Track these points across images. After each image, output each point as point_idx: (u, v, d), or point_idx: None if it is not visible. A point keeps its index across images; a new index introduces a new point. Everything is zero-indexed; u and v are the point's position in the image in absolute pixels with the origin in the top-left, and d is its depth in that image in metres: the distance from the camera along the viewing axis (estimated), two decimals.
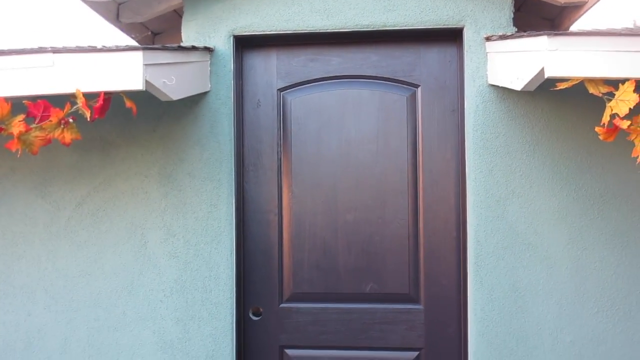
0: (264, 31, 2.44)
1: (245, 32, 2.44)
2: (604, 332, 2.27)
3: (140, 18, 2.59)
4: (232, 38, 2.44)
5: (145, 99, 2.13)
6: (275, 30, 2.44)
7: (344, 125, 2.52)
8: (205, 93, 2.40)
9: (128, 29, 2.82)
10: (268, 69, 2.55)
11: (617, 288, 2.27)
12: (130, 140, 2.44)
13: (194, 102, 2.40)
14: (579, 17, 2.63)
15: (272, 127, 2.54)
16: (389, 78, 2.51)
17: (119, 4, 2.60)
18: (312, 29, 2.43)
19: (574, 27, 2.74)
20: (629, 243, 2.27)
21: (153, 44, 3.02)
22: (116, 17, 2.60)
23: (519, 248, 2.31)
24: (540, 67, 1.61)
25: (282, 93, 2.55)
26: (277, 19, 2.43)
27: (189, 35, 2.41)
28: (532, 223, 2.30)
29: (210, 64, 2.41)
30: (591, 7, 2.46)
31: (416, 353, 2.49)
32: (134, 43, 2.96)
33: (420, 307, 2.49)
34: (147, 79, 1.68)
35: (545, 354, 2.29)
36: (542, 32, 1.63)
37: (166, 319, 2.43)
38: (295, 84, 2.54)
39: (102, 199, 2.46)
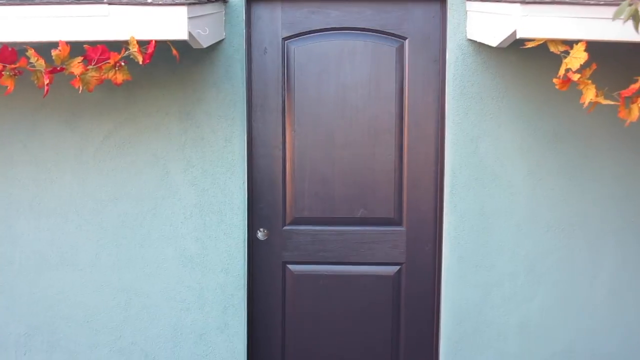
0: None
1: None
2: (552, 246, 2.79)
3: None
4: None
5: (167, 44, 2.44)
6: None
7: (341, 72, 2.88)
8: (220, 40, 2.70)
9: None
10: (274, 19, 2.86)
11: (565, 211, 2.77)
12: (152, 81, 2.74)
13: (211, 48, 2.70)
14: None
15: (277, 72, 2.88)
16: (380, 31, 2.87)
17: None
18: None
19: None
20: (577, 174, 2.76)
21: None
22: None
23: (487, 179, 2.77)
24: (513, 29, 2.01)
25: (286, 42, 2.88)
26: None
27: None
28: (498, 158, 2.75)
29: (225, 14, 2.70)
30: None
31: (399, 267, 2.97)
32: None
33: (403, 228, 2.95)
34: (189, 30, 2.00)
35: (505, 265, 2.80)
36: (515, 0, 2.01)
37: (186, 238, 2.82)
38: (298, 33, 2.87)
39: (127, 133, 2.78)
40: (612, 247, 2.79)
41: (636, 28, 1.70)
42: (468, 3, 2.65)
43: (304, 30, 2.87)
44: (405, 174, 2.92)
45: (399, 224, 2.95)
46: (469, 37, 2.66)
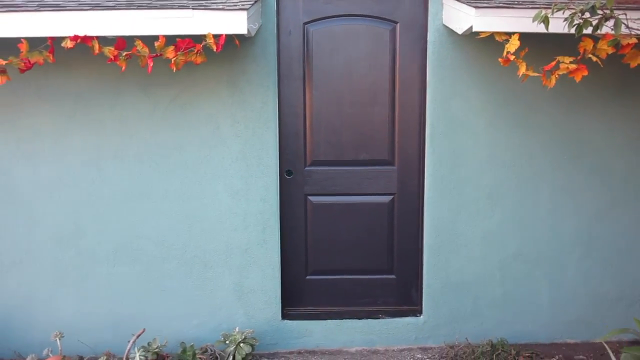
0: None
1: None
2: (506, 178, 3.78)
3: None
4: None
5: None
6: None
7: (347, 48, 3.78)
8: (259, 27, 3.59)
9: None
10: (296, 8, 3.74)
11: (515, 152, 3.75)
12: (209, 58, 3.63)
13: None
14: None
15: (299, 49, 3.78)
16: (378, 16, 3.76)
17: None
18: None
19: None
20: (523, 124, 3.72)
21: None
22: None
23: (457, 129, 3.73)
24: (471, 24, 2.93)
25: (306, 25, 3.76)
26: None
27: None
28: (466, 113, 3.70)
29: (261, 5, 3.58)
30: None
31: (392, 196, 3.96)
32: None
33: (395, 167, 3.92)
34: (248, 27, 2.90)
35: (471, 192, 3.79)
36: (471, 3, 2.92)
37: (234, 177, 3.77)
38: (315, 19, 3.75)
39: (188, 97, 3.69)
40: (549, 178, 3.79)
41: (546, 28, 2.65)
42: None
43: (320, 17, 3.75)
44: (396, 126, 3.87)
45: (392, 164, 3.92)
46: (444, 23, 3.57)
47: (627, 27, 2.85)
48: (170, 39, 2.99)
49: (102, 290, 3.83)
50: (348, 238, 4.00)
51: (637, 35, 2.89)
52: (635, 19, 2.85)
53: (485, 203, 3.81)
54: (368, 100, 3.83)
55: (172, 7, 2.86)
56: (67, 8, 2.93)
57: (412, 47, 3.77)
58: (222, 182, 3.77)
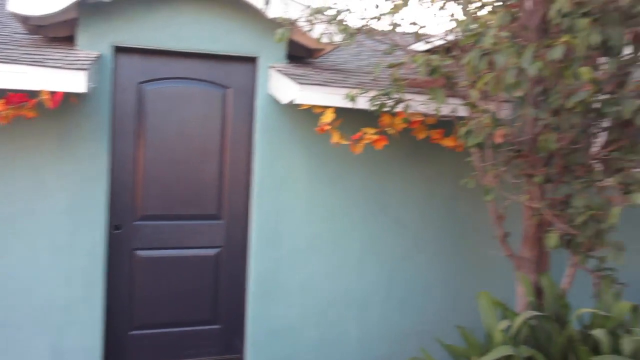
0: (133, 45, 3.77)
1: (121, 44, 3.74)
2: (322, 231, 4.27)
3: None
4: (112, 47, 3.71)
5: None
6: (142, 46, 3.79)
7: (181, 108, 4.01)
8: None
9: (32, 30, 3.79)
10: (133, 67, 3.88)
11: (331, 207, 4.28)
12: (41, 112, 3.55)
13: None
14: (327, 53, 4.53)
15: (133, 107, 3.89)
16: (212, 81, 4.07)
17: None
18: (167, 47, 3.84)
19: (323, 58, 4.64)
20: (338, 183, 4.28)
21: (49, 44, 4.00)
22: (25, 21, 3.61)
23: (281, 186, 4.14)
24: (293, 97, 3.41)
25: (141, 85, 3.91)
26: (143, 38, 3.78)
27: (83, 42, 3.61)
28: (289, 172, 4.15)
29: (99, 63, 3.65)
30: (332, 50, 4.35)
31: (219, 249, 4.19)
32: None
33: (223, 221, 4.18)
34: (88, 85, 2.98)
35: (291, 244, 4.19)
36: (296, 78, 3.41)
37: (59, 231, 3.65)
38: (152, 79, 3.93)
39: (13, 149, 3.53)
40: (359, 229, 4.38)
41: (354, 104, 3.22)
42: (269, 70, 4.01)
43: (156, 77, 3.94)
44: (225, 183, 4.15)
45: (220, 218, 4.17)
46: (270, 92, 4.02)
47: (413, 108, 3.58)
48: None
49: None
50: (175, 291, 4.09)
51: (423, 113, 3.64)
52: (420, 102, 3.59)
53: (304, 253, 4.25)
54: (199, 157, 4.07)
55: (4, 62, 2.82)
56: None
57: (242, 110, 4.14)
58: (46, 237, 3.63)
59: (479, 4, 2.85)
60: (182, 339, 4.14)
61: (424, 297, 4.61)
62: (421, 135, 3.81)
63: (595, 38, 2.23)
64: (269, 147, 4.09)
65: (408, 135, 4.02)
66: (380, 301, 4.49)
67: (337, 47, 3.88)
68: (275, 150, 4.11)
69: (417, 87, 3.71)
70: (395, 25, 3.26)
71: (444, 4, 3.14)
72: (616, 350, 3.08)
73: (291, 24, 3.48)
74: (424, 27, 3.34)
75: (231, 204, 4.18)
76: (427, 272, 4.60)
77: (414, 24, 3.32)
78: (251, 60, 4.12)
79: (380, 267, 4.47)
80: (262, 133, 4.07)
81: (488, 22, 2.44)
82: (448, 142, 3.71)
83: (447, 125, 4.27)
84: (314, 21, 3.39)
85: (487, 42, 2.29)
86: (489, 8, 2.82)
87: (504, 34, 2.32)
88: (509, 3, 2.76)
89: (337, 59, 4.72)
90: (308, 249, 4.25)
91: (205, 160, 4.09)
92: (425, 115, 3.64)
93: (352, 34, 3.29)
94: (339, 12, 3.33)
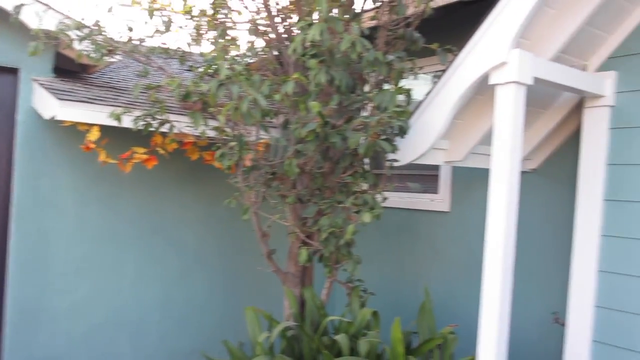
0: None
1: None
2: (93, 252, 4.10)
3: None
4: None
5: None
6: None
7: None
8: None
9: None
10: None
11: (103, 227, 4.13)
12: None
13: None
14: (101, 69, 4.39)
15: None
16: None
17: None
18: None
19: (100, 74, 4.50)
20: (113, 202, 4.16)
21: None
22: None
23: (46, 206, 3.90)
24: (55, 114, 3.27)
25: None
26: None
27: None
28: (55, 191, 3.93)
29: None
30: (106, 66, 4.24)
31: None
32: None
33: None
34: None
35: (58, 267, 3.96)
36: (57, 93, 3.27)
37: None
38: None
39: None
40: (135, 249, 4.30)
41: (120, 123, 3.19)
42: (33, 82, 3.78)
43: None
44: None
45: None
46: (33, 105, 3.79)
47: (179, 129, 3.65)
48: None
49: None
50: None
51: (194, 135, 3.73)
52: (186, 123, 3.67)
53: (73, 277, 4.04)
54: None
55: None
56: None
57: (2, 124, 3.83)
58: None
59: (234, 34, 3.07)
60: None
61: (203, 315, 4.68)
62: (194, 156, 3.91)
63: (322, 77, 2.56)
64: (31, 165, 3.84)
65: (182, 157, 4.09)
66: (157, 322, 4.45)
67: (110, 64, 3.81)
68: (39, 168, 3.87)
69: (187, 109, 3.80)
70: (154, 49, 3.34)
71: (206, 31, 3.30)
72: (356, 352, 3.47)
73: (48, 37, 3.34)
74: (188, 52, 3.46)
75: None
76: (207, 290, 4.69)
77: (179, 48, 3.42)
78: (13, 72, 3.84)
79: (158, 287, 4.44)
80: (23, 149, 3.80)
81: (228, 54, 2.64)
82: (219, 164, 3.86)
83: (218, 147, 4.44)
84: (72, 36, 3.30)
85: (223, 73, 2.48)
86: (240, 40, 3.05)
87: (238, 67, 2.54)
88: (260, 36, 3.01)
89: (117, 75, 4.63)
90: (78, 272, 4.05)
91: None
92: (196, 137, 3.74)
93: (104, 53, 3.28)
94: (91, 30, 3.29)
